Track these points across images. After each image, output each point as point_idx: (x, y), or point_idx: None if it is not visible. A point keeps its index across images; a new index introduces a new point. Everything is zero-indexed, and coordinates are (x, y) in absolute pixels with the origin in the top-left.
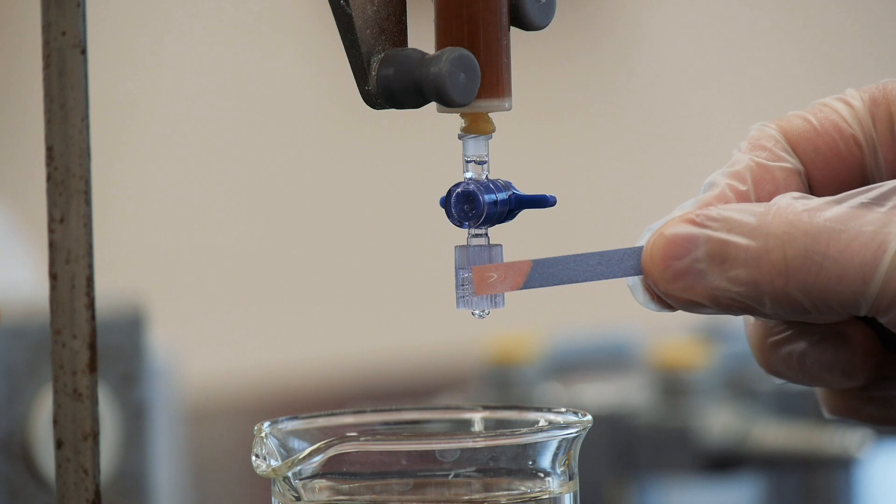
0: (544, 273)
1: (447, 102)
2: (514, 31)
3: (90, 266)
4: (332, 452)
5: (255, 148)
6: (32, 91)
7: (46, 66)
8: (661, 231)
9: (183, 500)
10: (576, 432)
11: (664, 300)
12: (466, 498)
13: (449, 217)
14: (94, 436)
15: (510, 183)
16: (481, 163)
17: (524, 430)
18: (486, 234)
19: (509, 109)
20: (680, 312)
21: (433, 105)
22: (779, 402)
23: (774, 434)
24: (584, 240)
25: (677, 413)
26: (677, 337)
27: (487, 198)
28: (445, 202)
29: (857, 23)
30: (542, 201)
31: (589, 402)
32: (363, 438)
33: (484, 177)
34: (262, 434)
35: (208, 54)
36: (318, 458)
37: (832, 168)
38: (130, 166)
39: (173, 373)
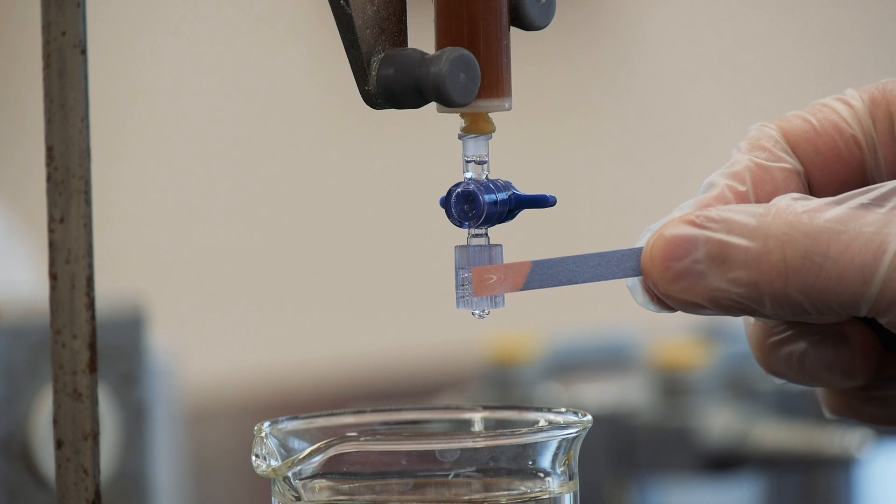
0: (544, 274)
1: (447, 102)
2: (514, 31)
3: (90, 266)
4: (332, 452)
5: (255, 148)
6: (32, 91)
7: (46, 66)
8: (661, 232)
9: (183, 500)
10: (576, 432)
11: (664, 301)
12: (466, 498)
13: (449, 217)
14: (94, 436)
15: (510, 183)
16: (481, 163)
17: (524, 430)
18: (486, 234)
19: (509, 109)
20: (680, 312)
21: (433, 105)
22: (779, 402)
23: (774, 434)
24: (584, 240)
25: (677, 413)
26: (677, 337)
27: (487, 198)
28: (445, 202)
29: (857, 23)
30: (542, 201)
31: (589, 402)
32: (363, 438)
33: (484, 177)
34: (262, 434)
35: (208, 54)
36: (318, 458)
37: (832, 168)
38: (130, 166)
39: (173, 373)
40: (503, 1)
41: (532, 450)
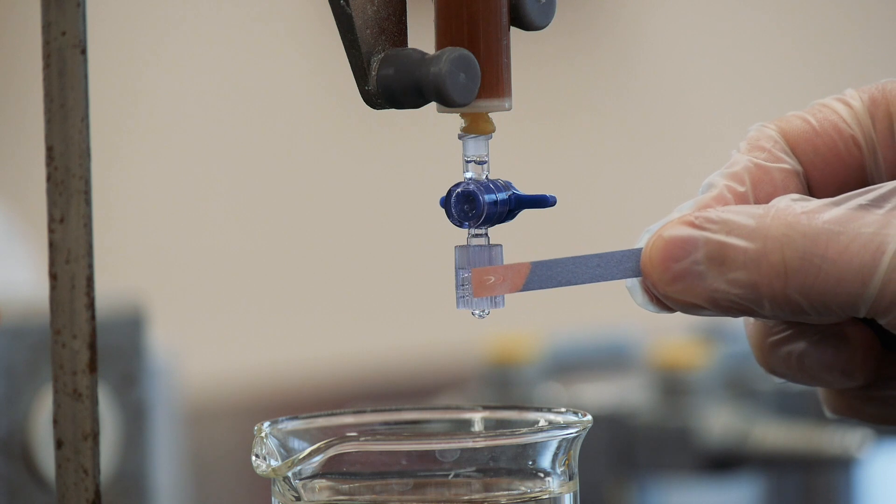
0: (543, 275)
1: (447, 102)
2: (514, 31)
3: (90, 266)
4: (332, 452)
5: (255, 148)
6: (32, 91)
7: (46, 66)
8: (660, 233)
9: (183, 500)
10: (576, 432)
11: (663, 302)
12: (466, 498)
13: (449, 217)
14: (94, 436)
15: (510, 183)
16: (481, 163)
17: (524, 430)
18: (486, 234)
19: (509, 109)
20: (679, 313)
21: (433, 105)
22: (779, 402)
23: (774, 434)
24: (584, 240)
25: (677, 413)
26: (677, 337)
27: (487, 198)
28: (445, 202)
29: (857, 23)
30: (542, 201)
31: (589, 402)
32: (363, 438)
33: (484, 177)
34: (262, 434)
35: (208, 54)
36: (318, 458)
37: (831, 169)
38: (130, 166)
39: (173, 373)
40: (503, 1)
41: (532, 450)
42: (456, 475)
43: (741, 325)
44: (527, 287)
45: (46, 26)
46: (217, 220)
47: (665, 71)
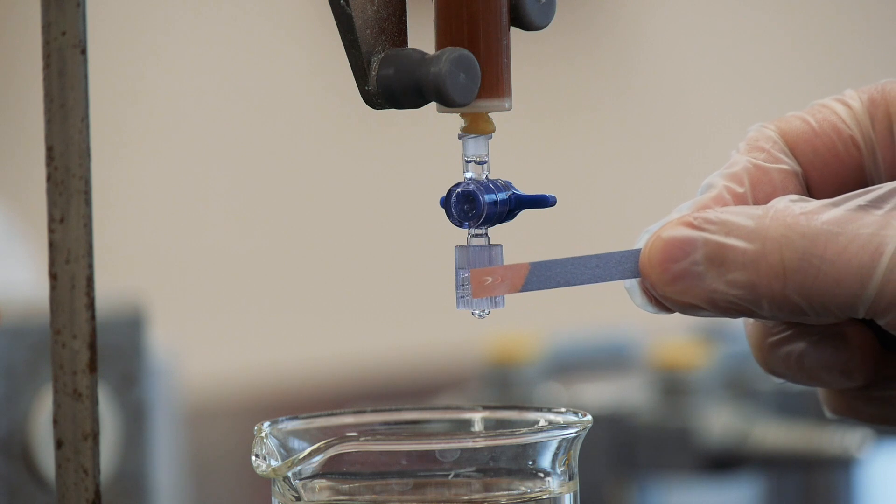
0: (542, 276)
1: (447, 102)
2: (514, 31)
3: (90, 266)
4: (332, 452)
5: (255, 148)
6: (32, 91)
7: (46, 66)
8: (659, 234)
9: (183, 500)
10: (576, 432)
11: (662, 303)
12: (466, 498)
13: (449, 217)
14: (94, 436)
15: (510, 183)
16: (481, 163)
17: (524, 430)
18: (486, 234)
19: (509, 109)
20: (679, 313)
21: (433, 105)
22: (779, 402)
23: (774, 434)
24: (584, 240)
25: (677, 413)
26: (677, 337)
27: (487, 198)
28: (445, 202)
29: (857, 23)
30: (542, 201)
31: (589, 402)
32: (363, 438)
33: (484, 177)
34: (262, 434)
35: (208, 54)
36: (318, 458)
37: (831, 169)
38: (130, 166)
39: (173, 373)
40: (503, 1)
41: (532, 450)
42: (456, 475)
43: (741, 326)
44: (526, 288)
45: (46, 26)
46: (217, 220)
47: (665, 71)
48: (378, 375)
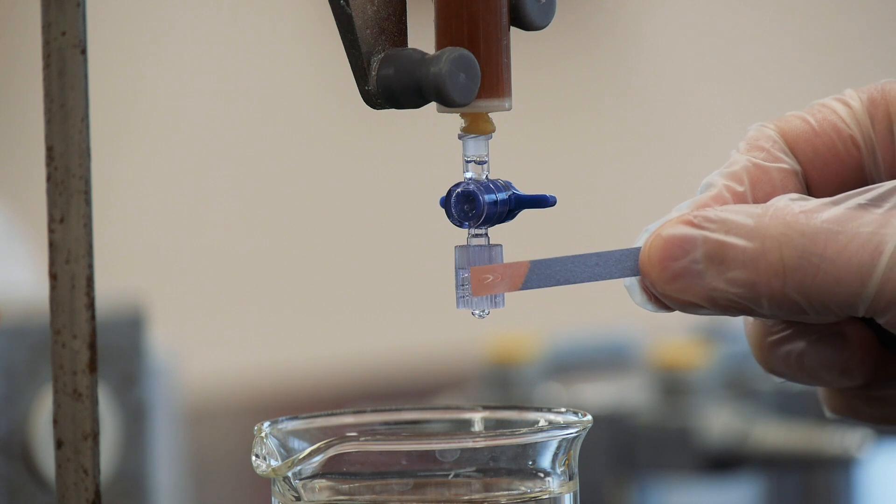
0: (542, 274)
1: (447, 102)
2: (514, 31)
3: (90, 266)
4: (332, 452)
5: (255, 148)
6: (32, 91)
7: (46, 66)
8: (659, 232)
9: (183, 500)
10: (576, 432)
11: (661, 301)
12: (466, 498)
13: (449, 217)
14: (94, 436)
15: (510, 183)
16: (481, 163)
17: (524, 430)
18: (486, 234)
19: (509, 109)
20: (678, 312)
21: (433, 105)
22: (779, 402)
23: (774, 434)
24: (584, 240)
25: (677, 413)
26: (677, 337)
27: (487, 198)
28: (445, 202)
29: (857, 23)
30: (542, 201)
31: (589, 402)
32: (363, 438)
33: (484, 177)
34: (262, 434)
35: (208, 54)
36: (318, 458)
37: (830, 168)
38: (130, 166)
39: (173, 373)
40: (503, 1)
41: (532, 450)
42: (456, 475)
43: (741, 326)
44: (526, 286)
45: (46, 26)
46: (217, 221)
47: (665, 71)
48: (378, 375)
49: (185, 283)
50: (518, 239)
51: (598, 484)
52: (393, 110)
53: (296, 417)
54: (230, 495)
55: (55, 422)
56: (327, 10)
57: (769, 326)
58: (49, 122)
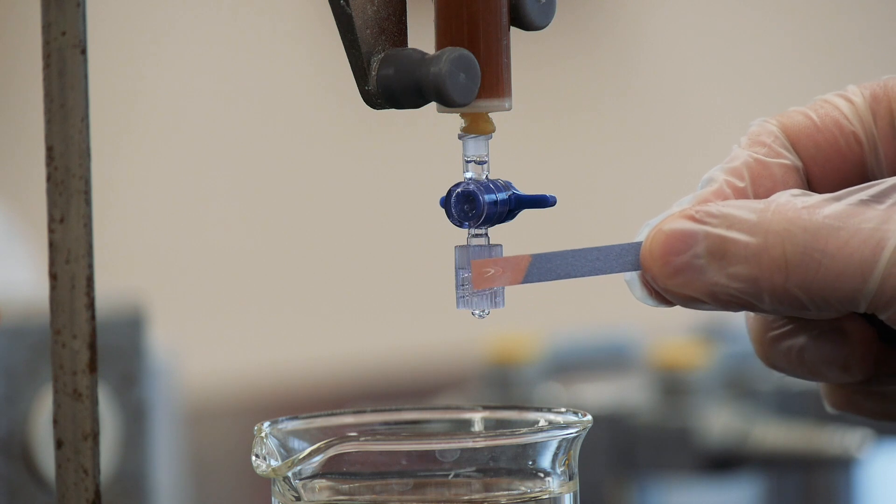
0: (543, 268)
1: (447, 102)
2: (514, 31)
3: (90, 266)
4: (332, 452)
5: (255, 148)
6: (32, 91)
7: (46, 66)
8: (661, 227)
9: (183, 500)
10: (576, 432)
11: (662, 295)
12: (466, 498)
13: (449, 217)
14: (94, 436)
15: (510, 183)
16: (481, 163)
17: (524, 430)
18: (486, 234)
19: (509, 109)
20: (679, 311)
21: (433, 105)
22: (779, 402)
23: (774, 434)
24: (584, 240)
25: (677, 413)
26: (677, 337)
27: (487, 198)
28: (445, 202)
29: (857, 23)
30: (542, 201)
31: (589, 402)
32: (363, 438)
33: (484, 177)
34: (262, 434)
35: (208, 54)
36: (318, 458)
37: (832, 164)
38: (130, 166)
39: (173, 373)
40: (503, 1)
41: (532, 450)
42: (456, 475)
43: (741, 326)
44: (527, 279)
45: (46, 26)
46: (217, 220)
47: (665, 70)
48: (378, 375)
49: (185, 283)
50: (518, 239)
51: (598, 484)
52: (393, 110)
53: (296, 417)
54: (230, 495)
55: (55, 422)
56: (327, 10)
57: (770, 321)
58: (49, 122)
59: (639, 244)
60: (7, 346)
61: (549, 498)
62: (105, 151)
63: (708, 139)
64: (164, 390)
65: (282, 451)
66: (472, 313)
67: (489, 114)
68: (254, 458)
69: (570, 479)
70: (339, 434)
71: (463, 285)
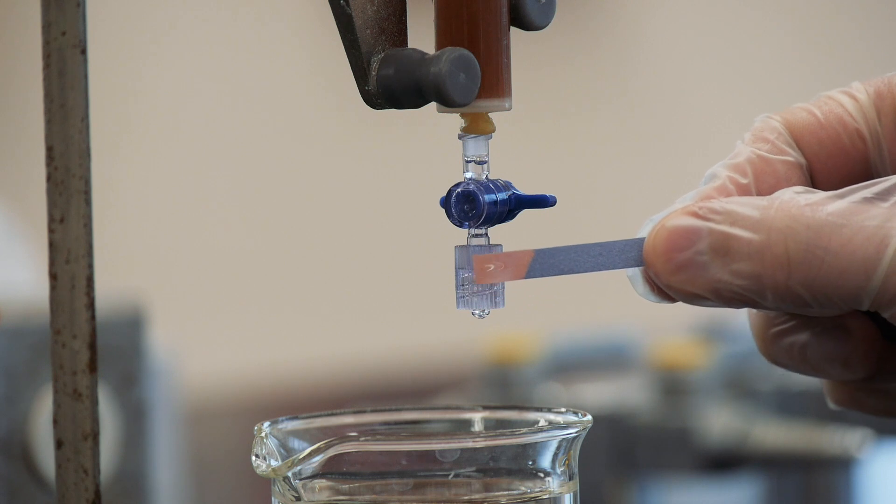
0: (545, 263)
1: (447, 102)
2: (514, 31)
3: (90, 266)
4: (332, 452)
5: (255, 148)
6: (32, 91)
7: (46, 66)
8: (664, 223)
9: (183, 500)
10: (576, 432)
11: (664, 292)
12: (466, 498)
13: (449, 217)
14: (94, 436)
15: (510, 183)
16: (481, 163)
17: (524, 430)
18: (486, 234)
19: (509, 109)
20: (679, 311)
21: (433, 105)
22: (779, 402)
23: (774, 434)
24: (584, 240)
25: (677, 413)
26: (677, 337)
27: (487, 198)
28: (445, 202)
29: (857, 23)
30: (542, 201)
31: (589, 402)
32: (363, 438)
33: (484, 177)
34: (262, 434)
35: (208, 54)
36: (318, 458)
37: (836, 161)
38: (130, 166)
39: (173, 373)
40: (503, 1)
41: (532, 450)
42: (456, 475)
43: (741, 326)
44: (529, 275)
45: (46, 26)
46: (217, 220)
47: (665, 70)
48: (378, 375)
49: (185, 283)
50: (518, 239)
51: (598, 484)
52: (393, 110)
53: (296, 417)
54: (230, 495)
55: (55, 422)
56: (327, 10)
57: (772, 318)
58: (49, 122)
59: (642, 240)
60: (7, 346)
61: (549, 498)
62: (105, 151)
63: (708, 139)
64: (164, 390)
65: (282, 451)
66: (472, 313)
67: (489, 114)
68: (254, 458)
69: (570, 479)
70: (339, 434)
71: (463, 285)
